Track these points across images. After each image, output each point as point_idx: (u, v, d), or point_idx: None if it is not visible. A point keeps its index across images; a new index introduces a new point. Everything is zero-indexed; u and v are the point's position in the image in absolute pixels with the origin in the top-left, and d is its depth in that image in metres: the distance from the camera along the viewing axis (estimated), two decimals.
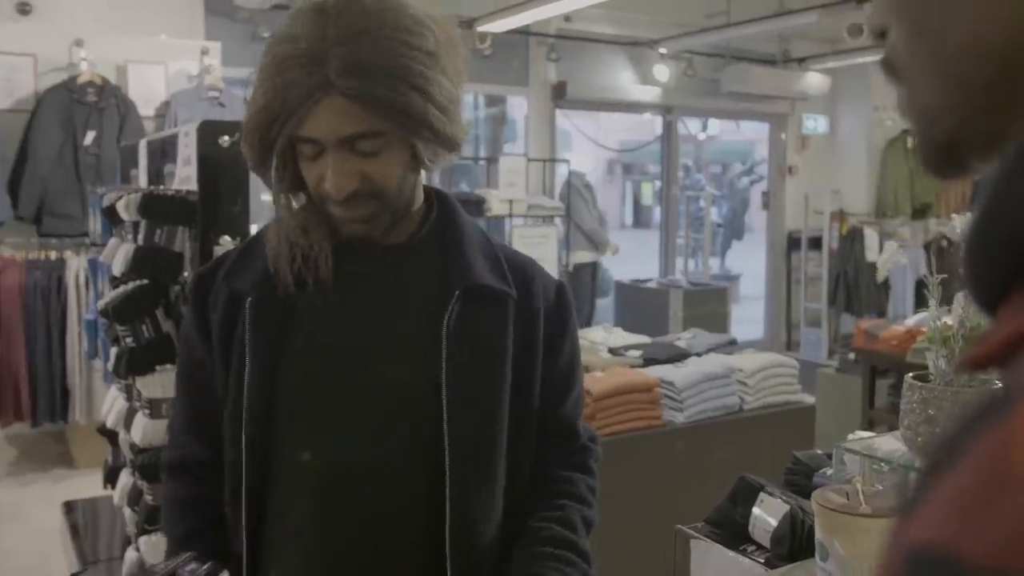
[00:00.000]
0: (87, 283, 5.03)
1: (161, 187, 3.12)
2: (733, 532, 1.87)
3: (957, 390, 1.53)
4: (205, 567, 0.95)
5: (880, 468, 1.74)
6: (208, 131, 2.75)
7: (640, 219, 21.46)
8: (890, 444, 1.81)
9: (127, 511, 3.28)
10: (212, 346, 1.31)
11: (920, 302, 8.01)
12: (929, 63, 0.43)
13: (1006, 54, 0.39)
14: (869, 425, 5.43)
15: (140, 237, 3.06)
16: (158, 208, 2.87)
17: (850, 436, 1.97)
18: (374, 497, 1.25)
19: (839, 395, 5.79)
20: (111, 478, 3.56)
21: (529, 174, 6.68)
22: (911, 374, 1.61)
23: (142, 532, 3.06)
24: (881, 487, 1.62)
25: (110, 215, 3.28)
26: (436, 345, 1.26)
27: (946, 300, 1.63)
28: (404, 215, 1.31)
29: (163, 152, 3.29)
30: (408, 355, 1.28)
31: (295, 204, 1.28)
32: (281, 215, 1.27)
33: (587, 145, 11.86)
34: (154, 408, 3.00)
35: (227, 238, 2.84)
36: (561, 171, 7.53)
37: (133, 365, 3.04)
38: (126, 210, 3.01)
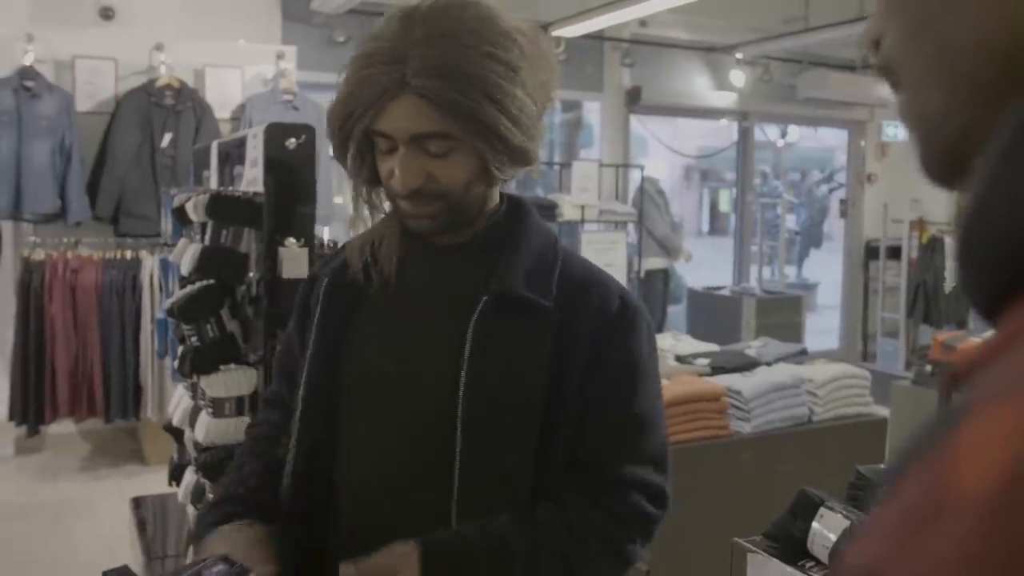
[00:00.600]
0: (160, 283, 5.14)
1: (229, 188, 3.16)
2: (791, 547, 1.83)
3: None
4: (234, 568, 0.94)
5: None
6: (275, 133, 2.77)
7: (716, 226, 21.21)
8: None
9: (190, 508, 3.32)
10: (303, 328, 1.43)
11: None
12: (932, 64, 0.42)
13: (1010, 51, 0.38)
14: None
15: (207, 238, 3.10)
16: (224, 209, 2.89)
17: None
18: (386, 505, 1.28)
19: (914, 408, 5.64)
20: (176, 475, 3.61)
21: (602, 179, 6.65)
22: None
23: None
24: None
25: (179, 216, 3.33)
26: (461, 350, 1.25)
27: None
28: (471, 220, 1.33)
29: (233, 155, 3.34)
30: (436, 358, 1.29)
31: (375, 198, 1.35)
32: (367, 215, 1.36)
33: (663, 151, 11.78)
34: (217, 407, 3.04)
35: (292, 240, 2.86)
36: (634, 177, 7.48)
37: (197, 364, 3.08)
38: (194, 211, 3.05)
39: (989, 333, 0.34)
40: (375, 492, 1.29)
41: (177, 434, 3.53)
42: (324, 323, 1.34)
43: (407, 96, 1.19)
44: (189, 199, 3.22)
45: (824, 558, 1.75)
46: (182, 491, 3.45)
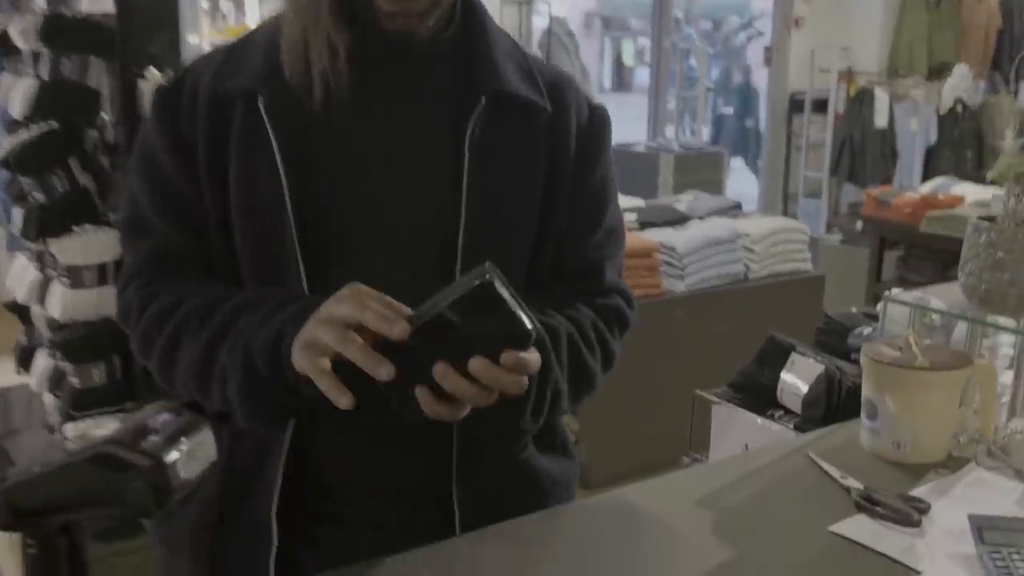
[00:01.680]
0: None
1: (62, 8, 2.91)
2: (759, 397, 1.84)
3: None
4: (182, 418, 0.81)
5: (932, 321, 1.70)
6: None
7: (621, 81, 21.19)
8: (941, 296, 1.79)
9: (48, 397, 3.17)
10: (195, 171, 1.19)
11: (931, 172, 8.03)
12: None
13: None
14: (875, 300, 5.44)
15: (45, 71, 2.89)
16: (65, 34, 2.68)
17: (892, 291, 1.92)
18: None
19: (843, 268, 5.79)
20: (24, 361, 3.44)
21: (503, 19, 6.46)
22: (977, 215, 1.58)
23: (67, 419, 2.94)
24: (931, 341, 1.58)
25: (2, 44, 3.06)
26: (459, 156, 1.18)
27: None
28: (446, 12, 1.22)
29: None
30: (430, 167, 1.20)
31: None
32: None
33: None
34: (74, 276, 2.88)
35: (155, 71, 2.66)
36: (540, 18, 7.26)
37: (46, 225, 2.90)
38: (23, 37, 2.81)
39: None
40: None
41: (22, 312, 3.37)
42: (285, 145, 1.15)
43: None
44: (11, 22, 2.96)
45: (795, 407, 1.74)
46: (35, 378, 3.28)
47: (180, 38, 2.73)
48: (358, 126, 1.20)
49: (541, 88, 1.24)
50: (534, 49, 6.94)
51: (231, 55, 1.23)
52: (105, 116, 2.80)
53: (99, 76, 2.75)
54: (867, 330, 1.95)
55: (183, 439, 0.76)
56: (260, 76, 1.18)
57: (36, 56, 2.93)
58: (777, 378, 1.80)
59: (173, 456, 0.74)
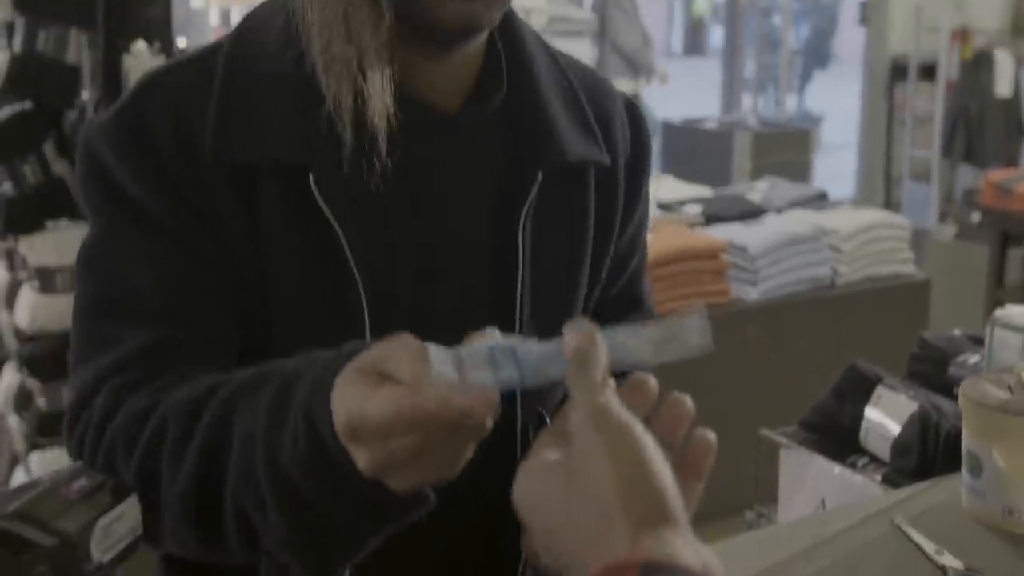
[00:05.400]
0: None
1: None
2: (838, 439, 1.81)
3: None
4: (102, 486, 0.80)
5: None
6: None
7: (694, 43, 21.19)
8: None
9: (12, 420, 3.22)
10: (202, 225, 1.07)
11: None
12: None
13: None
14: (996, 307, 5.38)
15: (18, 42, 2.94)
16: (40, 0, 2.75)
17: (998, 311, 1.89)
18: None
19: (956, 269, 5.74)
20: None
21: None
22: None
23: (33, 446, 2.99)
24: None
25: None
26: (511, 243, 1.17)
27: None
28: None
29: None
30: (478, 264, 1.20)
31: None
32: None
33: None
34: (45, 279, 2.93)
35: (142, 44, 2.70)
36: None
37: (15, 220, 2.95)
38: None
39: None
40: None
41: None
42: (349, 240, 1.06)
43: None
44: None
45: (882, 453, 1.71)
46: (0, 396, 3.34)
47: (171, 5, 2.76)
48: (403, 207, 1.15)
49: (594, 128, 1.23)
50: (586, 10, 6.95)
51: (228, 96, 1.10)
52: (85, 95, 2.83)
53: (79, 50, 2.80)
54: (973, 358, 1.92)
55: (100, 513, 0.75)
56: (302, 140, 1.07)
57: (10, 28, 2.98)
58: (860, 416, 1.76)
59: (85, 535, 0.72)
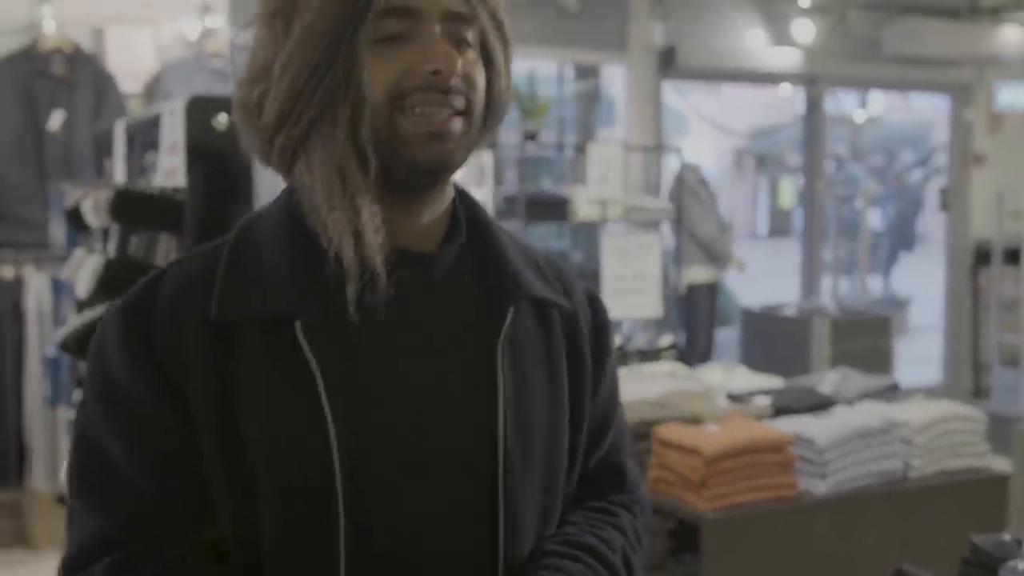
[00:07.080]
0: (51, 308, 5.13)
1: (140, 182, 3.17)
2: None
3: None
4: None
5: None
6: (199, 109, 2.77)
7: (777, 227, 21.23)
8: None
9: None
10: (182, 405, 1.23)
11: None
12: None
13: None
14: None
15: (112, 247, 3.10)
16: (134, 209, 2.88)
17: None
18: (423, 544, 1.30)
19: None
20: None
21: (628, 167, 6.64)
22: None
23: None
24: None
25: (74, 219, 3.34)
26: (489, 382, 1.31)
27: None
28: (444, 194, 1.36)
29: (144, 139, 3.35)
30: (459, 400, 1.32)
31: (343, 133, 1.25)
32: (341, 163, 1.24)
33: (707, 130, 11.76)
34: None
35: None
36: (670, 163, 7.46)
37: None
38: (94, 212, 3.06)
39: None
40: (405, 566, 1.28)
41: None
42: (334, 385, 1.23)
43: None
44: (86, 197, 3.22)
45: None
46: None
47: (253, 208, 2.94)
48: (391, 346, 1.29)
49: (553, 282, 1.41)
50: (663, 200, 7.09)
51: (231, 265, 1.27)
52: None
53: (167, 253, 2.95)
54: (1022, 564, 1.93)
55: None
56: (292, 295, 1.24)
57: (106, 232, 3.15)
58: None
59: None
